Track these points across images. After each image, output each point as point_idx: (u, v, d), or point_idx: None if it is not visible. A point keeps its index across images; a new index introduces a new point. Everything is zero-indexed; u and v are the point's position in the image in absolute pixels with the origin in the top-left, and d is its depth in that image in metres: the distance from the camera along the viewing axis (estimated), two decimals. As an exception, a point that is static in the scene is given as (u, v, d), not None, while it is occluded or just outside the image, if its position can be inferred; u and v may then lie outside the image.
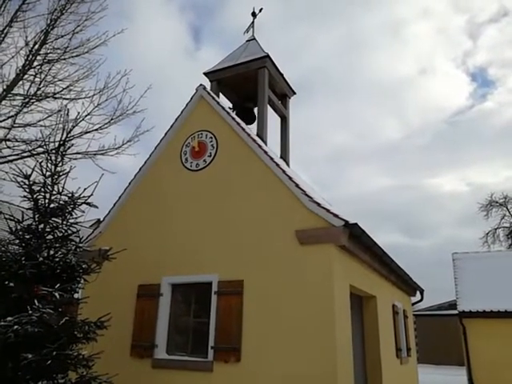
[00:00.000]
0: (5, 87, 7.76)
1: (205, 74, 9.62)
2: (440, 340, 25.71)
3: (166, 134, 8.14)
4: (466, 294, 15.18)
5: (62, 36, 8.30)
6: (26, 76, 8.03)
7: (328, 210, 6.01)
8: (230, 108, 9.17)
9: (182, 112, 8.15)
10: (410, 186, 68.09)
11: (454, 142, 64.49)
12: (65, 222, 5.60)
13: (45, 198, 5.52)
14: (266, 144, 8.44)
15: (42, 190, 5.51)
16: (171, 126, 8.14)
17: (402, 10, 61.89)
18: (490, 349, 13.79)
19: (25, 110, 8.04)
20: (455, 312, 15.14)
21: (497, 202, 29.20)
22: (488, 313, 14.05)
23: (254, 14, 10.89)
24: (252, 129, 9.02)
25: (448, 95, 68.97)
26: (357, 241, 6.52)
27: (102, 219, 8.41)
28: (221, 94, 9.63)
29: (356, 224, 5.93)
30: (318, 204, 6.10)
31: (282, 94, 10.42)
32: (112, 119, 8.53)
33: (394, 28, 61.37)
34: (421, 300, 13.64)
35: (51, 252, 5.36)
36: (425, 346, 25.19)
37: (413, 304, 13.88)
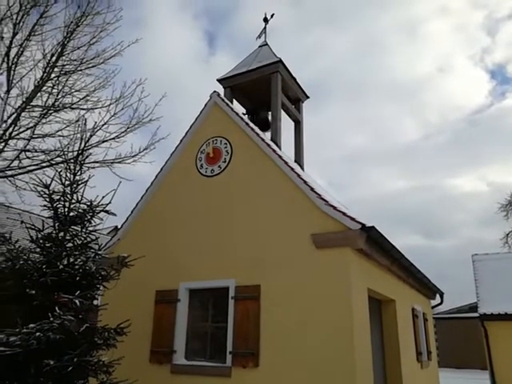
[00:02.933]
0: (24, 99, 7.94)
1: (218, 80, 9.71)
2: (461, 343, 25.25)
3: (181, 141, 8.23)
4: (487, 296, 14.89)
5: (79, 48, 8.50)
6: (44, 88, 8.22)
7: (344, 214, 5.98)
8: (243, 114, 9.23)
9: (196, 119, 8.23)
10: (429, 187, 67.42)
11: (474, 141, 63.70)
12: (84, 230, 5.69)
13: (64, 206, 5.61)
14: (280, 148, 8.45)
15: (62, 198, 5.60)
16: (186, 133, 8.23)
17: (418, 8, 61.31)
18: (514, 352, 13.47)
19: (43, 120, 8.23)
20: (476, 315, 14.85)
21: (517, 202, 28.51)
22: (510, 315, 13.74)
23: (265, 20, 10.97)
24: (266, 134, 9.06)
25: (466, 94, 68.15)
26: (374, 244, 6.46)
27: (119, 226, 8.51)
28: (234, 100, 9.70)
29: (373, 227, 5.88)
30: (334, 207, 6.07)
31: (296, 98, 10.44)
32: (128, 128, 8.67)
33: (411, 27, 60.90)
34: (441, 303, 13.43)
35: (71, 260, 5.44)
36: (446, 350, 24.75)
37: (433, 307, 13.67)
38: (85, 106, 8.58)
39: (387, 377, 8.11)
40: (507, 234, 28.03)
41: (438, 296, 13.08)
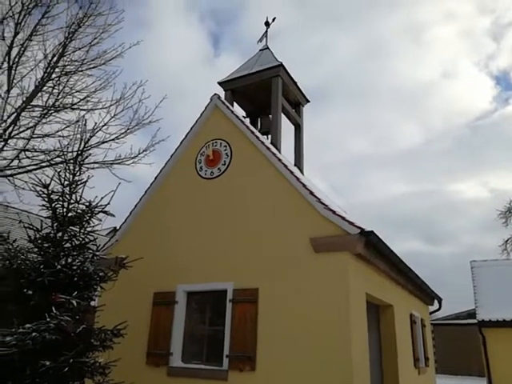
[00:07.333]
0: (24, 99, 7.92)
1: (219, 83, 9.72)
2: (459, 349, 25.16)
3: (181, 143, 8.23)
4: (485, 302, 14.84)
5: (80, 48, 8.47)
6: (44, 88, 8.20)
7: (343, 218, 5.97)
8: (244, 117, 9.24)
9: (196, 121, 8.23)
10: (430, 192, 67.34)
11: (476, 147, 63.66)
12: (82, 231, 5.68)
13: (63, 206, 5.61)
14: (279, 152, 8.45)
15: (60, 199, 5.60)
16: (186, 135, 8.23)
17: (423, 13, 61.09)
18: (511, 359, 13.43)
19: (44, 120, 8.19)
20: (474, 321, 14.82)
21: (516, 209, 28.48)
22: (508, 322, 13.69)
23: (267, 24, 11.00)
24: (266, 137, 9.06)
25: (470, 99, 68.14)
26: (373, 249, 6.45)
27: (118, 227, 8.50)
28: (235, 103, 9.71)
29: (372, 232, 5.88)
30: (333, 211, 6.07)
31: (296, 102, 10.46)
32: (128, 129, 8.64)
33: (416, 32, 60.70)
34: (439, 309, 13.42)
35: (69, 260, 5.44)
36: (443, 356, 24.69)
37: (431, 313, 13.65)
38: (85, 107, 8.56)
39: (384, 382, 8.08)
40: (506, 241, 27.98)
41: (436, 302, 13.08)
